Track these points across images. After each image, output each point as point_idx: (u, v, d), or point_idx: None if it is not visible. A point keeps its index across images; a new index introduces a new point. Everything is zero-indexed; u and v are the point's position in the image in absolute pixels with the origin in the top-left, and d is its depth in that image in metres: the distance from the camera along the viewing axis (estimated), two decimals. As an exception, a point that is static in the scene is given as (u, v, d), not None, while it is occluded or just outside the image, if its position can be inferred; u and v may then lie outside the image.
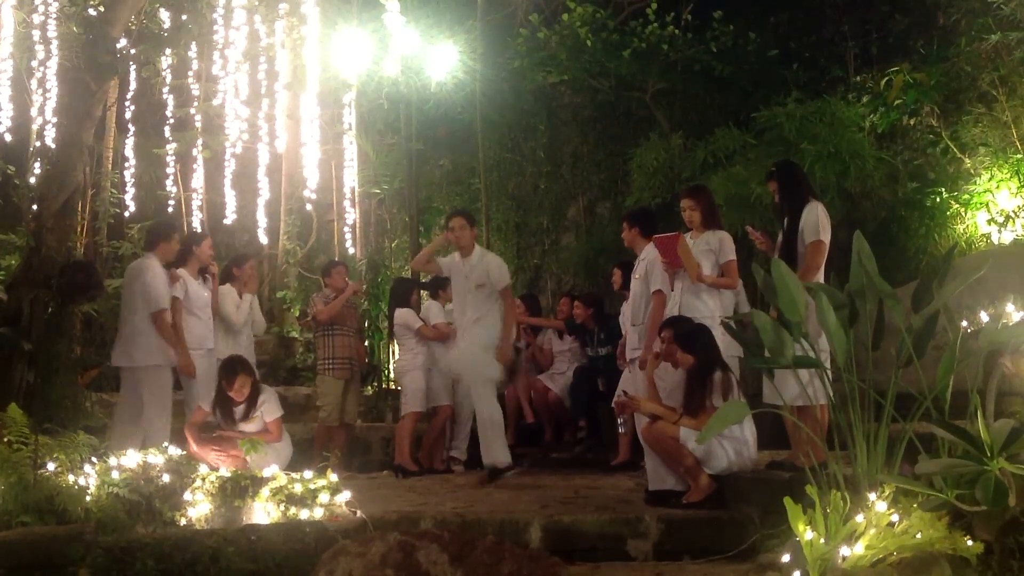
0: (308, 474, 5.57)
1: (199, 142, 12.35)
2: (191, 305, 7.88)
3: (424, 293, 9.33)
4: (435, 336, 8.38)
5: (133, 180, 12.78)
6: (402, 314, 8.50)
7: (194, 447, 7.06)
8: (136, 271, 7.69)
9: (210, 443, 7.15)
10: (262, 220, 12.80)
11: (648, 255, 7.06)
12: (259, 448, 6.87)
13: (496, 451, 7.28)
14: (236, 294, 8.37)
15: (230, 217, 12.78)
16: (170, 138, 12.43)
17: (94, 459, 5.69)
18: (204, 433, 7.37)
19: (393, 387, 11.21)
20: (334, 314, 8.64)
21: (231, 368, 7.37)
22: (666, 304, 6.86)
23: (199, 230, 12.30)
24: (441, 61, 11.11)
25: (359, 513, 5.36)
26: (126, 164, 12.76)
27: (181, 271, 7.91)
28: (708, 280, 6.53)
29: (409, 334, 8.47)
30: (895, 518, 4.09)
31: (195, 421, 7.36)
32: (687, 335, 6.04)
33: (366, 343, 11.34)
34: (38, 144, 11.34)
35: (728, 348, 6.12)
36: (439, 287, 8.73)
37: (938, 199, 9.36)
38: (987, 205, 9.11)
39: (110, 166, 12.17)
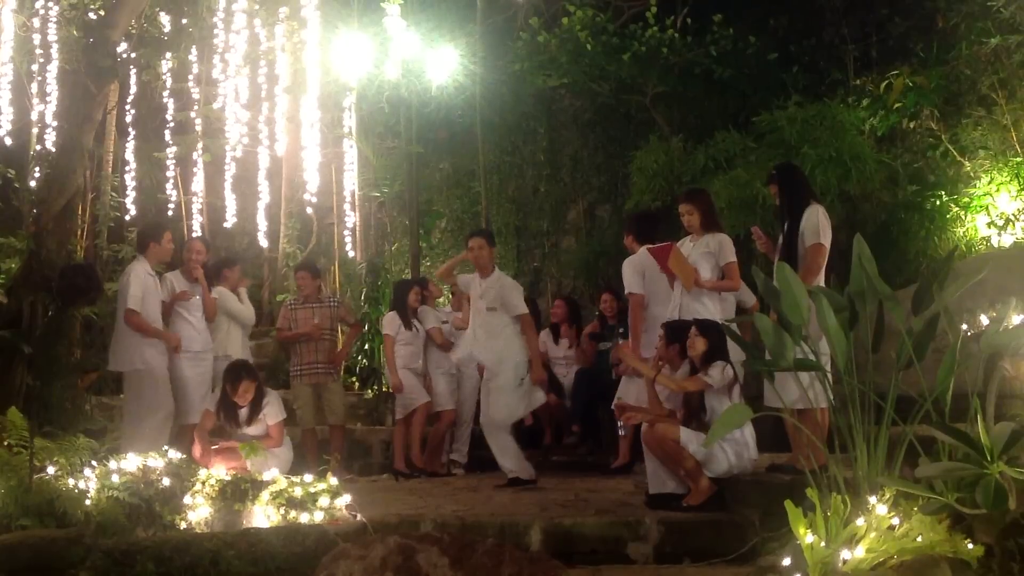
0: (308, 478, 5.57)
1: (199, 146, 12.36)
2: (180, 307, 7.92)
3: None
4: (388, 351, 8.42)
5: (133, 184, 12.80)
6: (385, 318, 8.61)
7: (201, 451, 7.04)
8: (122, 276, 7.85)
9: (214, 454, 7.11)
10: (262, 223, 12.82)
11: (628, 260, 7.28)
12: (259, 452, 6.86)
13: (514, 467, 7.30)
14: (231, 294, 8.42)
15: (230, 221, 12.80)
16: (170, 142, 12.44)
17: (94, 462, 5.69)
18: (212, 437, 7.37)
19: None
20: (288, 339, 8.73)
21: (235, 373, 7.37)
22: (643, 304, 7.07)
23: (198, 234, 12.31)
24: (441, 64, 11.11)
25: (359, 516, 5.36)
26: (126, 168, 12.78)
27: (171, 274, 8.01)
28: (708, 285, 6.53)
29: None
30: (895, 521, 4.09)
31: (205, 426, 7.35)
32: (704, 323, 6.07)
33: (366, 346, 11.35)
34: (38, 148, 11.36)
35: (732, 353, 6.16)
36: (421, 285, 8.90)
37: (938, 202, 9.36)
38: (987, 208, 9.10)
39: (110, 170, 12.19)
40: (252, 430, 7.32)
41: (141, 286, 7.57)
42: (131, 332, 7.53)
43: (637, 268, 7.20)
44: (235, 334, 8.36)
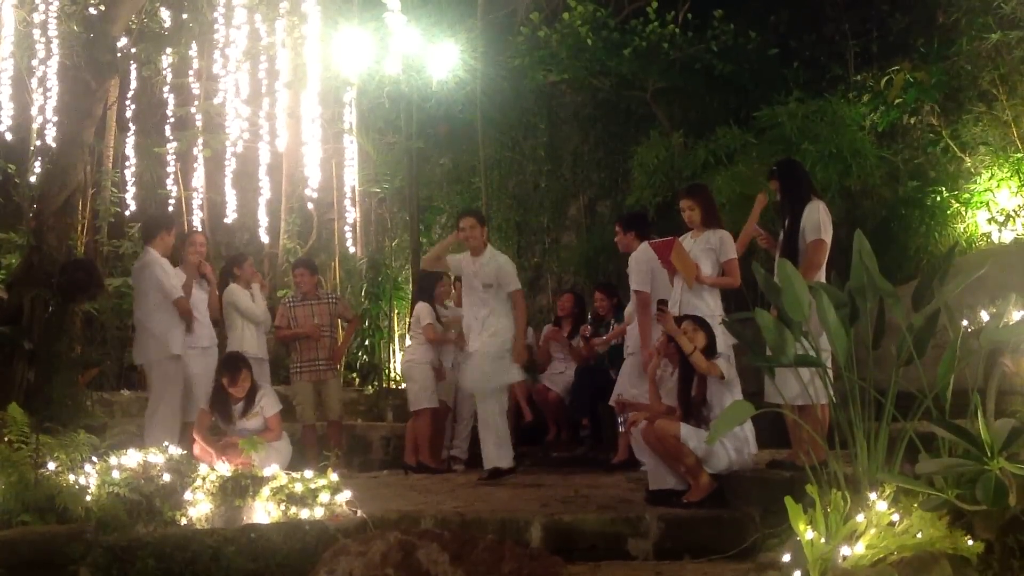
0: (308, 473, 5.57)
1: (200, 141, 12.35)
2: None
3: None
4: (432, 338, 8.40)
5: (134, 179, 12.80)
6: (418, 308, 8.54)
7: (203, 450, 7.04)
8: (139, 268, 7.89)
9: (218, 450, 7.11)
10: (263, 219, 12.80)
11: (634, 256, 7.31)
12: (260, 447, 6.87)
13: (494, 454, 7.31)
14: (243, 291, 8.43)
15: (231, 216, 12.79)
16: (171, 137, 12.43)
17: (94, 458, 5.69)
18: (212, 436, 7.38)
19: (394, 386, 11.22)
20: (288, 338, 8.78)
21: (233, 364, 7.38)
22: (648, 303, 7.06)
23: (198, 228, 12.30)
24: (442, 60, 11.11)
25: (359, 512, 5.35)
26: (127, 163, 12.78)
27: (176, 269, 8.01)
28: (708, 281, 6.54)
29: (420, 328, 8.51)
30: (895, 517, 4.09)
31: (203, 424, 7.35)
32: (698, 318, 6.13)
33: (366, 342, 11.35)
34: (39, 143, 11.36)
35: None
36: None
37: (938, 198, 9.35)
38: (987, 204, 9.10)
39: (111, 165, 12.19)
40: (249, 424, 7.32)
41: (170, 273, 7.74)
42: (159, 321, 7.64)
43: (644, 266, 7.22)
44: (249, 331, 8.42)
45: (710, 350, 5.95)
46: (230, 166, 12.60)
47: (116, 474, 5.42)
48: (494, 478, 7.24)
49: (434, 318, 8.50)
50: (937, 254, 9.02)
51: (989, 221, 9.05)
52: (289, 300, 8.92)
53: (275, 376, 10.22)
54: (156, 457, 5.68)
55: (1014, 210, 8.90)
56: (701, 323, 6.05)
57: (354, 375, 11.51)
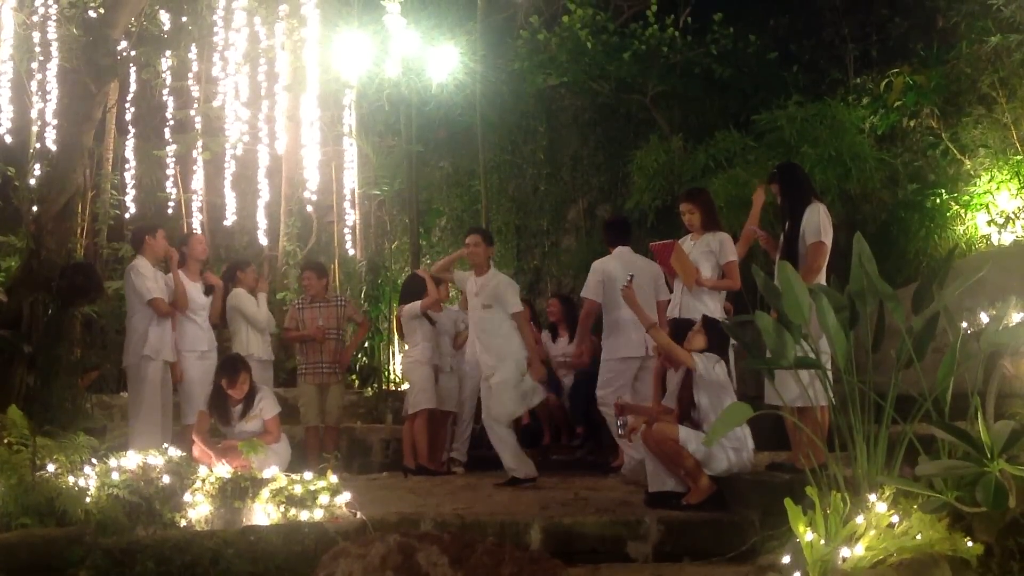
0: (308, 476, 5.57)
1: (199, 144, 12.35)
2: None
3: None
4: (433, 301, 8.30)
5: (133, 182, 12.78)
6: (408, 307, 8.49)
7: (202, 452, 7.02)
8: (125, 276, 7.98)
9: (217, 453, 7.09)
10: (262, 222, 12.79)
11: (593, 265, 7.64)
12: (259, 450, 6.86)
13: (513, 464, 7.31)
14: (248, 296, 8.43)
15: (230, 219, 12.77)
16: (170, 140, 12.43)
17: (94, 460, 5.69)
18: (211, 438, 7.36)
19: (393, 388, 11.22)
20: (293, 340, 8.80)
21: (232, 366, 7.37)
22: (593, 310, 7.51)
23: (197, 231, 12.30)
24: (442, 63, 11.12)
25: (359, 515, 5.35)
26: (126, 166, 12.77)
27: (169, 276, 8.01)
28: (708, 284, 6.55)
29: (417, 326, 8.43)
30: (895, 519, 4.09)
31: (202, 426, 7.34)
32: (709, 320, 6.12)
33: (366, 344, 11.33)
34: (38, 146, 11.34)
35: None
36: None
37: (938, 201, 9.37)
38: (987, 206, 9.12)
39: (110, 168, 12.18)
40: (248, 426, 7.31)
41: (151, 277, 7.73)
42: (136, 324, 7.66)
43: (598, 275, 7.48)
44: (254, 334, 8.42)
45: (708, 351, 5.93)
46: (229, 169, 12.58)
47: (115, 476, 5.41)
48: (512, 484, 7.23)
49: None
50: (937, 257, 9.04)
51: (989, 223, 9.07)
52: (298, 303, 8.90)
53: (276, 379, 10.22)
54: (155, 459, 5.67)
55: (1014, 212, 8.92)
56: (708, 326, 6.02)
57: (354, 377, 11.50)
